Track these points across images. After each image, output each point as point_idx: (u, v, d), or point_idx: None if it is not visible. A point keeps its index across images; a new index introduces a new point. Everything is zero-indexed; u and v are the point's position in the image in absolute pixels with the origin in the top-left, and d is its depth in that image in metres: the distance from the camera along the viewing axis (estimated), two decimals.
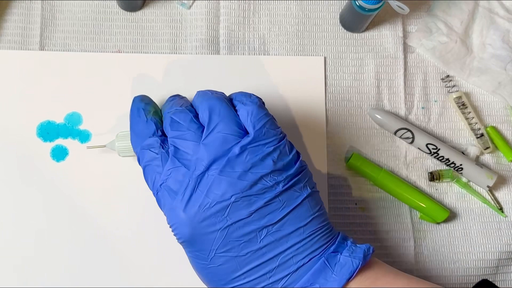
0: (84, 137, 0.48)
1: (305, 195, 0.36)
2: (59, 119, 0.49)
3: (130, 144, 0.40)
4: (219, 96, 0.38)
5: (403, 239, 0.50)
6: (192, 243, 0.35)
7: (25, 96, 0.49)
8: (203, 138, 0.35)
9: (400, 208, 0.50)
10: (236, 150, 0.34)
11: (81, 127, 0.49)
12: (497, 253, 0.50)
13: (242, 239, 0.34)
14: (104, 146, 0.46)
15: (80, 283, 0.46)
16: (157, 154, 0.37)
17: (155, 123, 0.39)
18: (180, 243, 0.36)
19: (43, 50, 0.50)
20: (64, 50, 0.50)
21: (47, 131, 0.48)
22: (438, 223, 0.50)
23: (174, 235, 0.36)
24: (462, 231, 0.50)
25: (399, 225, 0.50)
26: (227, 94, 0.40)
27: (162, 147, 0.37)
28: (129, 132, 0.41)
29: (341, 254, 0.35)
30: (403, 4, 0.48)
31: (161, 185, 0.36)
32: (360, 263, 0.35)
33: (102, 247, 0.46)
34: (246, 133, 0.36)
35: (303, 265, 0.35)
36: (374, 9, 0.48)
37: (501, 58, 0.54)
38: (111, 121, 0.49)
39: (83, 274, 0.46)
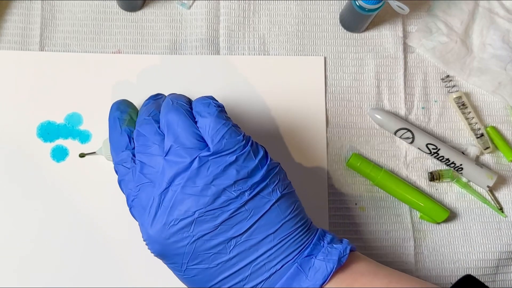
0: (84, 137, 0.48)
1: (274, 200, 0.35)
2: (59, 119, 0.49)
3: None
4: (178, 107, 0.37)
5: (403, 239, 0.50)
6: (164, 257, 0.36)
7: (25, 96, 0.49)
8: (164, 153, 0.35)
9: (400, 208, 0.50)
10: (196, 164, 0.34)
11: (81, 127, 0.49)
12: (497, 253, 0.50)
13: (211, 252, 0.34)
14: (95, 152, 0.46)
15: (80, 283, 0.46)
16: (129, 168, 0.37)
17: (128, 134, 0.38)
18: (155, 256, 0.36)
19: (43, 50, 0.50)
20: (64, 50, 0.50)
21: (47, 131, 0.48)
22: (438, 223, 0.50)
23: (148, 249, 0.36)
24: (462, 231, 0.50)
25: (399, 225, 0.50)
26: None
27: (134, 161, 0.37)
28: None
29: (315, 257, 0.35)
30: (403, 4, 0.48)
31: (132, 201, 0.36)
32: (335, 266, 0.34)
33: (103, 247, 0.46)
34: (207, 144, 0.35)
35: (275, 271, 0.34)
36: (374, 9, 0.48)
37: (501, 58, 0.54)
38: None
39: (84, 274, 0.46)
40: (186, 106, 0.37)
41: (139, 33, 0.52)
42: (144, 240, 0.36)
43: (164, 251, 0.35)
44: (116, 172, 0.38)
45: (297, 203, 0.37)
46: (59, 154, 0.48)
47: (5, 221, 0.46)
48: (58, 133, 0.48)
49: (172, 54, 0.51)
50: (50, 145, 0.48)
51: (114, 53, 0.51)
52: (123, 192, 0.37)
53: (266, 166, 0.35)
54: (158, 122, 0.37)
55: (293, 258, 0.35)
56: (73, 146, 0.48)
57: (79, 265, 0.46)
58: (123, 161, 0.37)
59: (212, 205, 0.34)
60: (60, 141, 0.48)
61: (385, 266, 0.38)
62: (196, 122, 0.36)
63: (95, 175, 0.48)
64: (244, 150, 0.35)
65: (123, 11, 0.52)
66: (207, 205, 0.34)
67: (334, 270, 0.34)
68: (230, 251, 0.34)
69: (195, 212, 0.33)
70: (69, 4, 0.51)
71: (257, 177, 0.35)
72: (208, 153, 0.34)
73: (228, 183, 0.34)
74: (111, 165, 0.47)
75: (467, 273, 0.49)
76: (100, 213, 0.47)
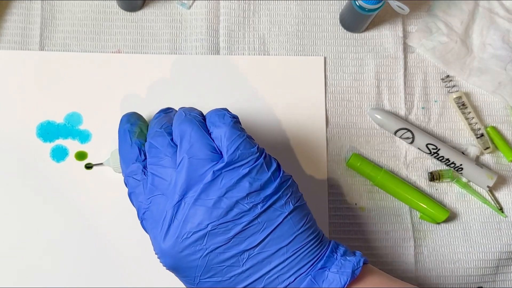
0: (84, 137, 0.48)
1: (287, 212, 0.35)
2: (59, 119, 0.49)
3: None
4: (191, 118, 0.37)
5: (403, 239, 0.50)
6: (177, 270, 0.35)
7: (25, 96, 0.49)
8: (176, 165, 0.35)
9: (400, 208, 0.50)
10: (209, 176, 0.34)
11: (81, 127, 0.49)
12: (497, 253, 0.50)
13: (224, 264, 0.34)
14: (102, 164, 0.46)
15: (80, 283, 0.46)
16: (139, 181, 0.36)
17: (138, 147, 0.38)
18: (167, 269, 0.36)
19: (43, 50, 0.50)
20: (64, 50, 0.50)
21: (47, 131, 0.48)
22: (438, 223, 0.50)
23: (160, 262, 0.36)
24: (462, 231, 0.50)
25: (399, 225, 0.50)
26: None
27: (144, 173, 0.37)
28: None
29: (329, 270, 0.34)
30: (403, 4, 0.48)
31: (144, 213, 0.36)
32: (348, 279, 0.34)
33: (102, 246, 0.46)
34: (221, 155, 0.35)
35: (289, 284, 0.34)
36: (374, 9, 0.48)
37: (501, 58, 0.54)
38: (111, 121, 0.49)
39: (84, 274, 0.46)
40: (199, 118, 0.37)
41: (139, 33, 0.52)
42: (156, 254, 0.35)
43: (176, 265, 0.35)
44: (126, 184, 0.38)
45: (309, 216, 0.36)
46: (59, 154, 0.48)
47: (5, 221, 0.46)
48: (57, 133, 0.48)
49: (172, 54, 0.51)
50: (49, 145, 0.48)
51: (114, 53, 0.51)
52: (134, 205, 0.37)
53: (279, 178, 0.35)
54: (170, 134, 0.37)
55: (306, 270, 0.34)
56: (73, 146, 0.48)
57: (79, 264, 0.46)
58: (133, 173, 0.37)
59: (224, 217, 0.33)
60: (59, 141, 0.48)
61: (398, 280, 0.38)
62: (209, 134, 0.36)
63: (95, 175, 0.48)
64: (257, 162, 0.35)
65: (123, 11, 0.52)
66: (220, 217, 0.33)
67: (348, 282, 0.34)
68: (243, 263, 0.34)
69: (208, 225, 0.33)
70: (69, 4, 0.51)
71: (270, 190, 0.34)
72: (222, 164, 0.34)
73: (241, 196, 0.34)
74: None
75: (467, 273, 0.49)
76: (100, 213, 0.47)
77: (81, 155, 0.48)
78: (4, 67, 0.49)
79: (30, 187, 0.47)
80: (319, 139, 0.51)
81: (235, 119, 0.37)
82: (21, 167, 0.47)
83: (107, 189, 0.48)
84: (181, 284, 0.42)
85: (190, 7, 0.53)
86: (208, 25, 0.52)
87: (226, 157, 0.34)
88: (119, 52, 0.51)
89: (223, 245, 0.34)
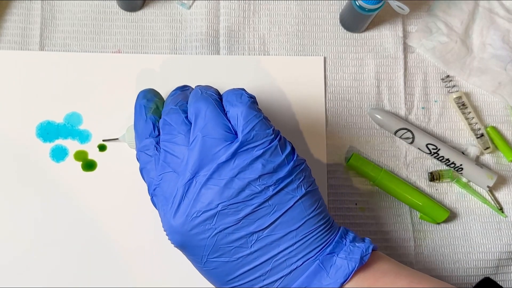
0: (84, 137, 0.48)
1: (298, 196, 0.35)
2: (58, 119, 0.49)
3: None
4: (207, 96, 0.36)
5: (403, 239, 0.50)
6: (185, 248, 0.35)
7: (25, 96, 0.49)
8: (189, 143, 0.35)
9: (400, 208, 0.50)
10: (223, 156, 0.34)
11: (81, 127, 0.49)
12: (497, 253, 0.50)
13: (233, 245, 0.34)
14: (117, 139, 0.47)
15: (80, 283, 0.46)
16: (151, 156, 0.36)
17: (153, 122, 0.38)
18: (175, 247, 0.36)
19: (43, 50, 0.50)
20: (64, 50, 0.50)
21: (47, 131, 0.48)
22: (438, 223, 0.50)
23: (169, 239, 0.36)
24: (462, 231, 0.50)
25: (399, 225, 0.50)
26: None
27: (157, 149, 0.36)
28: None
29: (337, 255, 0.34)
30: (403, 4, 0.48)
31: (154, 189, 0.36)
32: (356, 265, 0.34)
33: (102, 246, 0.46)
34: (236, 135, 0.35)
35: (296, 268, 0.34)
36: (374, 9, 0.48)
37: (501, 58, 0.54)
38: (111, 121, 0.49)
39: (83, 274, 0.46)
40: (215, 96, 0.37)
41: (139, 33, 0.52)
42: (164, 231, 0.36)
43: (185, 243, 0.35)
44: (138, 159, 0.38)
45: (320, 201, 0.36)
46: (59, 154, 0.48)
47: (4, 221, 0.46)
48: (57, 133, 0.48)
49: (172, 54, 0.51)
50: (49, 145, 0.48)
51: (114, 53, 0.51)
52: (145, 180, 0.37)
53: (292, 162, 0.35)
54: (185, 112, 0.37)
55: (314, 255, 0.34)
56: (72, 146, 0.48)
57: (79, 265, 0.46)
58: (145, 148, 0.37)
59: (235, 198, 0.33)
60: (59, 141, 0.48)
61: (407, 267, 0.38)
62: (225, 114, 0.36)
63: (95, 175, 0.48)
64: (271, 144, 0.35)
65: (123, 11, 0.52)
66: (230, 198, 0.33)
67: (356, 268, 0.34)
68: (251, 245, 0.34)
69: (218, 204, 0.33)
70: (69, 4, 0.51)
71: (283, 173, 0.34)
72: (237, 144, 0.34)
73: (253, 177, 0.34)
74: (112, 165, 0.48)
75: (467, 273, 0.49)
76: (100, 213, 0.47)
77: (80, 155, 0.48)
78: (4, 67, 0.49)
79: (29, 187, 0.47)
80: (319, 139, 0.51)
81: (252, 99, 0.37)
82: (20, 167, 0.47)
83: (106, 189, 0.47)
84: (184, 285, 0.42)
85: (190, 7, 0.53)
86: (208, 25, 0.52)
87: (240, 137, 0.34)
88: (119, 52, 0.51)
89: (232, 225, 0.34)
